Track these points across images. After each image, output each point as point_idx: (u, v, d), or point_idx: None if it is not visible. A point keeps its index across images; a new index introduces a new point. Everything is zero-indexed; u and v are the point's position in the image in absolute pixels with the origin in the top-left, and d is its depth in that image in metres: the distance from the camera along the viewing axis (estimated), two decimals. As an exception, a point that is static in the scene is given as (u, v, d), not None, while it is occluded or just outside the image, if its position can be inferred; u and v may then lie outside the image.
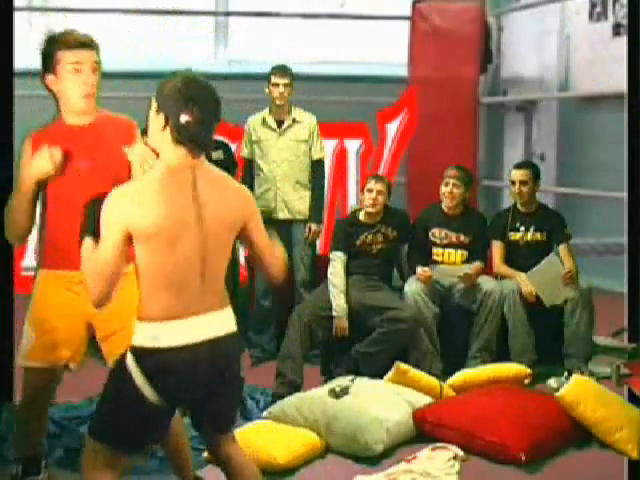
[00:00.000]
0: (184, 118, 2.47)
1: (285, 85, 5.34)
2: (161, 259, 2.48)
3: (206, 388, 2.59)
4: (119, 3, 8.12)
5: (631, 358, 3.31)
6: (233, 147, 5.61)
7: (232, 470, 2.80)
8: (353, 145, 6.15)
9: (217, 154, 5.45)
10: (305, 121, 5.45)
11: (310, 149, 5.44)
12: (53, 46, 3.01)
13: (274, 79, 5.35)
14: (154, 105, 2.53)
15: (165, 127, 2.50)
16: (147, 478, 3.50)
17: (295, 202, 5.40)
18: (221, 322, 2.60)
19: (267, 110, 5.47)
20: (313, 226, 5.40)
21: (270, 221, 5.40)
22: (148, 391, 2.50)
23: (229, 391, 2.68)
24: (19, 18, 5.39)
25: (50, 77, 3.03)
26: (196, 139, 2.51)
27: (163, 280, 2.49)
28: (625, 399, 4.01)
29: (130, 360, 2.53)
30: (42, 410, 3.35)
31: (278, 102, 5.37)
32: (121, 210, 2.45)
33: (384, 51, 8.80)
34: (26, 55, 5.59)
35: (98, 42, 3.07)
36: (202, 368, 2.53)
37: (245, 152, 5.49)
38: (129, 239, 2.47)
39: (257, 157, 5.42)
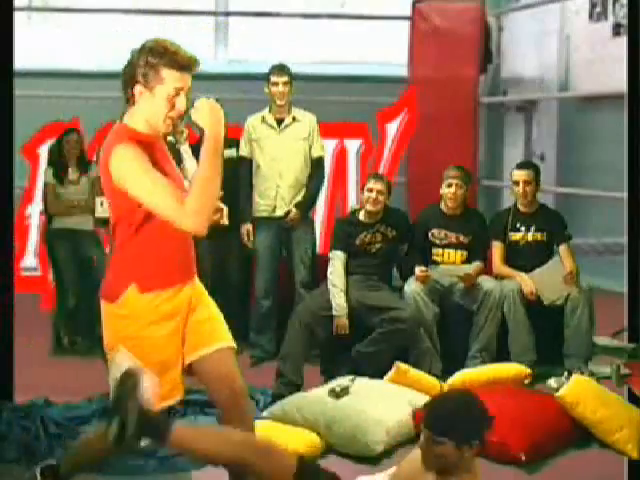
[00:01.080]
0: None
1: (284, 84, 5.34)
2: None
3: None
4: (119, 3, 8.12)
5: (631, 358, 3.31)
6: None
7: None
8: (353, 145, 6.16)
9: (230, 152, 5.46)
10: (305, 120, 5.46)
11: (310, 148, 5.44)
12: (158, 60, 2.78)
13: (273, 78, 5.36)
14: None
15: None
16: (147, 478, 3.50)
17: (294, 200, 5.39)
18: None
19: (267, 110, 5.47)
20: (293, 211, 5.38)
21: (270, 219, 5.40)
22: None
23: None
24: (19, 18, 5.39)
25: (141, 89, 2.80)
26: None
27: None
28: (625, 399, 4.01)
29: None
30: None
31: (278, 101, 5.37)
32: None
33: (384, 51, 8.80)
34: (26, 55, 5.61)
35: (199, 61, 2.89)
36: None
37: (244, 151, 5.48)
38: None
39: (256, 155, 5.42)
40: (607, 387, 4.14)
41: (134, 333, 2.84)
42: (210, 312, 3.03)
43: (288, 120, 5.41)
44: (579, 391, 4.09)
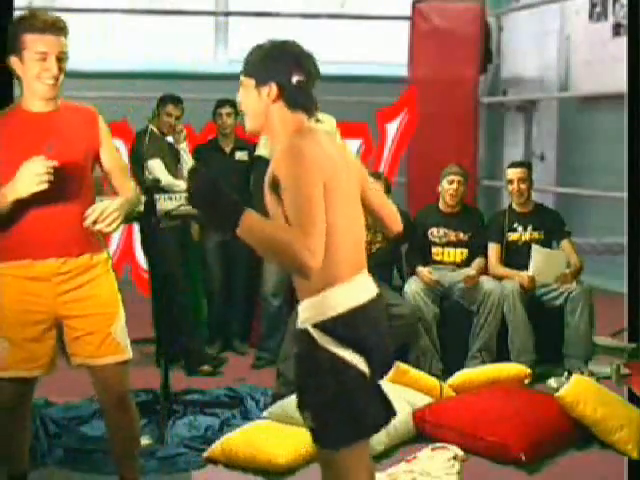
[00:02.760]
0: (296, 78, 2.31)
1: None
2: (334, 219, 2.26)
3: (379, 350, 2.38)
4: (119, 3, 8.12)
5: (631, 358, 3.31)
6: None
7: None
8: (353, 145, 6.15)
9: (242, 154, 5.47)
10: (326, 121, 5.44)
11: None
12: (19, 28, 2.82)
13: None
14: (250, 82, 2.34)
15: (279, 97, 2.30)
16: (147, 478, 3.50)
17: None
18: (371, 281, 2.44)
19: None
20: None
21: None
22: (351, 356, 2.27)
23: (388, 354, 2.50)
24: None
25: (14, 60, 2.86)
26: (311, 98, 2.37)
27: (337, 241, 2.28)
28: (625, 399, 4.01)
29: (319, 336, 2.28)
30: (26, 420, 3.16)
31: None
32: (316, 160, 2.24)
33: (384, 51, 8.80)
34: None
35: (66, 25, 2.87)
36: (373, 327, 2.36)
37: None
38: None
39: None
40: (607, 387, 4.14)
41: None
42: (100, 310, 2.97)
43: (312, 123, 5.37)
44: (579, 391, 4.09)
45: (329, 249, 2.22)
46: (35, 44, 2.81)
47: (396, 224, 2.65)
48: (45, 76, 2.84)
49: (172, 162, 5.35)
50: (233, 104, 5.37)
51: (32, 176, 2.73)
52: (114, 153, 3.09)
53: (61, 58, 2.85)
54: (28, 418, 3.18)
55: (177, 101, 5.36)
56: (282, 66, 2.31)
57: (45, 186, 2.74)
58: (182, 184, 5.20)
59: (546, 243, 5.28)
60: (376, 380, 2.41)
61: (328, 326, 2.28)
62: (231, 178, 5.10)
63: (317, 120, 5.70)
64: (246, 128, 2.44)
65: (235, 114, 5.51)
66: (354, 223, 2.37)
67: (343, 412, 2.30)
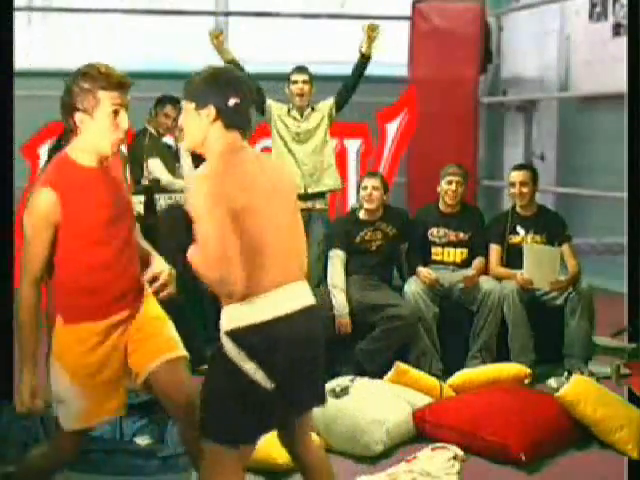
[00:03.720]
0: (232, 101, 2.55)
1: (304, 82, 5.42)
2: (252, 232, 2.50)
3: (304, 361, 2.57)
4: (119, 3, 8.12)
5: (631, 358, 3.31)
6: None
7: (309, 467, 2.78)
8: (353, 145, 6.16)
9: None
10: (321, 106, 5.51)
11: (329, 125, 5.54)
12: (91, 85, 2.76)
13: (293, 77, 5.46)
14: (190, 105, 2.58)
15: (216, 118, 2.55)
16: (148, 478, 3.50)
17: (314, 188, 5.42)
18: (305, 292, 2.64)
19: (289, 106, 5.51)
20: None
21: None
22: (252, 369, 2.48)
23: (319, 364, 2.67)
24: (19, 18, 5.39)
25: (81, 116, 2.77)
26: (246, 119, 2.61)
27: (249, 255, 2.48)
28: (625, 399, 4.01)
29: (227, 343, 2.51)
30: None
31: (299, 102, 5.41)
32: (217, 191, 2.45)
33: (384, 51, 8.78)
34: (26, 55, 5.61)
35: (131, 81, 2.86)
36: (299, 338, 2.55)
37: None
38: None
39: (278, 131, 5.45)
40: (607, 387, 4.14)
41: (69, 361, 2.89)
42: (156, 322, 3.00)
43: (307, 111, 5.46)
44: (579, 391, 4.10)
45: (252, 260, 2.47)
46: (110, 100, 2.78)
47: None
48: (117, 133, 2.81)
49: (170, 162, 5.36)
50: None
51: None
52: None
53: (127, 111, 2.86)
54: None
55: (175, 102, 5.37)
56: (219, 90, 2.56)
57: None
58: (181, 182, 5.22)
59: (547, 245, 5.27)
60: (283, 396, 2.53)
61: (238, 335, 2.49)
62: None
63: (313, 108, 5.78)
64: (185, 146, 2.71)
65: None
66: (285, 235, 2.59)
67: (221, 412, 2.53)
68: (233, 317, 2.51)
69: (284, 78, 5.53)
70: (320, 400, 2.76)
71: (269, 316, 2.49)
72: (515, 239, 5.28)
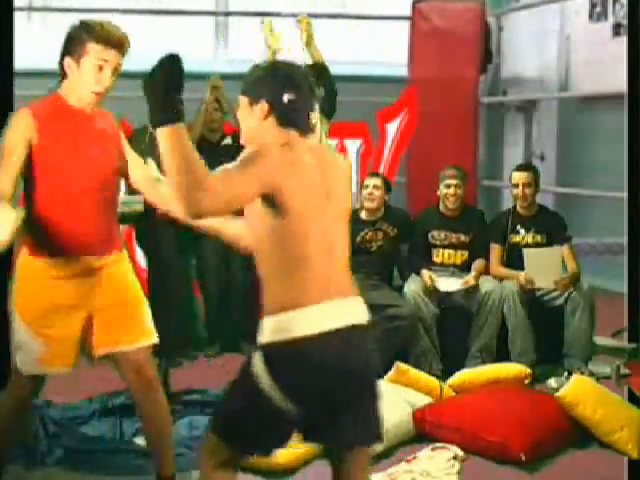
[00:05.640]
0: (287, 97, 2.38)
1: None
2: (296, 230, 2.29)
3: (341, 389, 2.30)
4: (119, 3, 8.12)
5: (631, 358, 3.31)
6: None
7: None
8: (353, 145, 6.15)
9: (227, 140, 5.55)
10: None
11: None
12: (85, 35, 2.91)
13: None
14: (245, 100, 2.42)
15: (269, 114, 2.38)
16: (147, 478, 3.50)
17: None
18: (354, 308, 2.40)
19: None
20: None
21: None
22: (276, 395, 2.27)
23: (366, 394, 2.39)
24: (19, 18, 5.39)
25: (69, 62, 2.92)
26: (303, 117, 2.42)
27: (299, 257, 2.29)
28: (625, 399, 4.01)
29: (256, 357, 2.30)
30: (27, 417, 3.25)
31: None
32: (266, 165, 2.26)
33: (384, 51, 8.79)
34: (26, 55, 5.60)
35: (129, 43, 2.97)
36: (332, 365, 2.27)
37: None
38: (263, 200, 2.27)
39: None
40: (607, 387, 4.14)
41: (28, 295, 2.96)
42: (129, 297, 3.07)
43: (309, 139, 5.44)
44: (579, 391, 4.09)
45: (287, 262, 2.27)
46: (98, 54, 2.89)
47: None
48: (97, 87, 2.91)
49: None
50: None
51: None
52: (142, 165, 3.17)
53: (116, 72, 2.95)
54: (28, 416, 3.26)
55: None
56: (273, 85, 2.39)
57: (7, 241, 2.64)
58: None
59: (548, 246, 5.27)
60: (310, 423, 2.34)
61: (268, 350, 2.29)
62: (222, 163, 5.30)
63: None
64: (241, 141, 2.50)
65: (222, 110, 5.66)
66: (332, 242, 2.36)
67: (239, 422, 2.37)
68: (265, 330, 2.30)
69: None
70: (372, 438, 2.44)
71: (300, 334, 2.25)
72: (516, 238, 5.28)
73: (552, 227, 5.28)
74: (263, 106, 2.38)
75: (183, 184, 2.13)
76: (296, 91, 2.39)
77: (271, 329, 2.28)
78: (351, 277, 2.43)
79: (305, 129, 2.42)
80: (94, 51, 2.89)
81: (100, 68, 2.89)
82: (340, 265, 2.38)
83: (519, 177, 5.29)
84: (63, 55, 2.93)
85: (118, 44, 2.92)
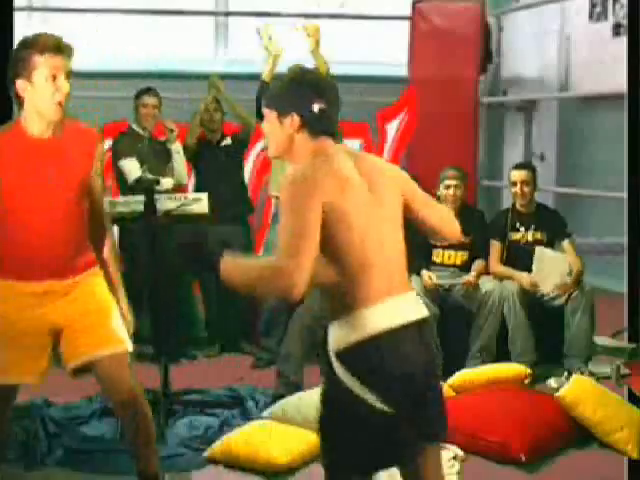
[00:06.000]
0: (317, 107, 2.36)
1: None
2: (352, 239, 2.29)
3: (418, 380, 2.30)
4: (119, 3, 8.12)
5: (631, 358, 3.31)
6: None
7: None
8: (353, 145, 6.15)
9: (226, 140, 5.56)
10: None
11: None
12: (28, 50, 2.85)
13: None
14: (272, 114, 2.39)
15: (301, 126, 2.36)
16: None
17: None
18: (417, 304, 2.40)
19: None
20: None
21: None
22: (363, 392, 2.25)
23: (437, 384, 2.43)
24: (19, 18, 5.39)
25: (21, 82, 2.87)
26: (334, 123, 2.41)
27: (358, 263, 2.29)
28: (625, 399, 4.01)
29: (337, 365, 2.30)
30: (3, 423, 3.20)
31: None
32: (316, 189, 2.24)
33: (384, 51, 8.79)
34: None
35: (72, 46, 2.93)
36: (408, 358, 2.27)
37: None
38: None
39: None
40: (607, 387, 4.14)
41: None
42: (95, 307, 3.05)
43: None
44: (579, 391, 4.10)
45: (347, 270, 2.26)
46: (46, 63, 2.84)
47: (449, 231, 2.63)
48: (56, 96, 2.87)
49: (156, 161, 5.30)
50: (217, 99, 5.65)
51: None
52: (98, 186, 3.11)
53: (69, 76, 2.90)
54: (5, 422, 3.20)
55: (149, 90, 5.44)
56: (302, 96, 2.36)
57: None
58: (170, 182, 5.23)
59: (548, 243, 5.28)
60: (403, 419, 2.28)
61: (345, 355, 2.28)
62: (223, 163, 5.55)
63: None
64: (269, 154, 2.49)
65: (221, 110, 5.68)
66: (384, 243, 2.38)
67: (343, 440, 2.33)
68: (336, 337, 2.30)
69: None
70: (432, 436, 2.41)
71: (373, 331, 2.25)
72: (516, 236, 5.30)
73: (552, 224, 5.30)
74: (294, 119, 2.36)
75: (266, 286, 2.27)
76: (325, 99, 2.38)
77: (342, 332, 2.28)
78: (407, 275, 2.46)
79: (335, 134, 2.41)
80: (42, 62, 2.85)
81: (54, 77, 2.86)
82: (394, 261, 2.43)
83: (517, 175, 5.31)
84: (13, 81, 2.89)
85: (60, 49, 2.88)
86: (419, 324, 2.34)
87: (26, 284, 2.96)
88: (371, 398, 2.24)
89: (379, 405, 2.25)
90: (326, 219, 2.24)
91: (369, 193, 2.35)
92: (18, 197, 2.90)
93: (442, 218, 2.61)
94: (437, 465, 2.46)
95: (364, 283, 2.28)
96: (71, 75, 2.92)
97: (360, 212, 2.30)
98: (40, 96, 2.87)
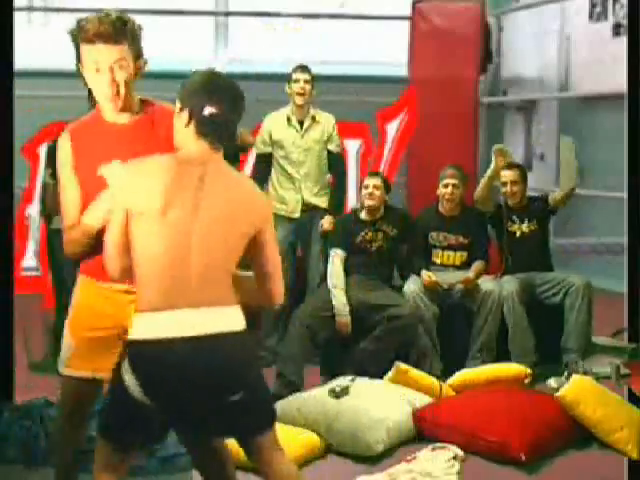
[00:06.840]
0: (208, 110, 2.49)
1: (306, 81, 5.36)
2: (149, 242, 2.44)
3: (199, 392, 2.42)
4: (119, 3, 8.12)
5: (631, 358, 3.31)
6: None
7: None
8: (353, 145, 6.15)
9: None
10: (323, 120, 5.48)
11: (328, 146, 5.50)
12: (77, 37, 2.63)
13: (295, 75, 5.39)
14: (177, 104, 2.56)
15: (189, 122, 2.51)
16: (147, 478, 3.50)
17: (314, 199, 5.43)
18: (216, 319, 2.43)
19: (289, 109, 5.46)
20: (325, 222, 5.38)
21: (287, 219, 5.39)
22: (133, 385, 2.43)
23: (239, 398, 2.46)
24: (19, 18, 5.39)
25: (81, 70, 2.69)
26: (218, 131, 2.53)
27: (151, 267, 2.43)
28: (625, 399, 4.01)
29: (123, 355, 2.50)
30: (82, 421, 3.18)
31: (298, 101, 5.37)
32: (122, 190, 2.50)
33: (384, 51, 8.79)
34: (26, 55, 5.60)
35: (122, 29, 2.62)
36: (189, 366, 2.38)
37: (261, 148, 5.50)
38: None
39: (279, 157, 5.42)
40: (607, 387, 4.14)
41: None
42: None
43: (308, 122, 5.43)
44: (579, 391, 4.10)
45: (143, 274, 2.43)
46: (88, 55, 2.64)
47: (278, 295, 2.64)
48: (107, 91, 2.67)
49: None
50: None
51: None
52: None
53: (116, 68, 2.64)
54: (83, 425, 3.20)
55: None
56: (197, 96, 2.51)
57: None
58: None
59: (541, 232, 5.43)
60: (164, 418, 2.49)
61: (131, 346, 2.45)
62: None
63: (313, 118, 5.76)
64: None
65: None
66: (188, 257, 2.43)
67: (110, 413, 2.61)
68: (133, 328, 2.46)
69: (284, 78, 5.52)
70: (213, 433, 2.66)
71: (139, 336, 2.42)
72: (513, 227, 5.41)
73: (539, 211, 5.43)
74: (185, 114, 2.52)
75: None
76: (219, 106, 2.50)
77: (134, 327, 2.45)
78: (226, 288, 2.48)
79: (218, 143, 2.54)
80: (85, 53, 2.64)
81: (97, 70, 2.64)
82: (203, 276, 2.43)
83: (507, 175, 5.41)
84: (79, 68, 2.71)
85: (103, 36, 2.60)
86: (198, 338, 2.40)
87: (107, 285, 2.81)
88: (135, 387, 2.43)
89: (138, 395, 2.43)
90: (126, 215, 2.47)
91: (192, 201, 2.45)
92: (95, 184, 2.68)
93: (279, 278, 2.64)
94: (273, 452, 2.58)
95: (153, 290, 2.43)
96: (123, 64, 2.65)
97: (163, 222, 2.42)
98: (93, 89, 2.71)
